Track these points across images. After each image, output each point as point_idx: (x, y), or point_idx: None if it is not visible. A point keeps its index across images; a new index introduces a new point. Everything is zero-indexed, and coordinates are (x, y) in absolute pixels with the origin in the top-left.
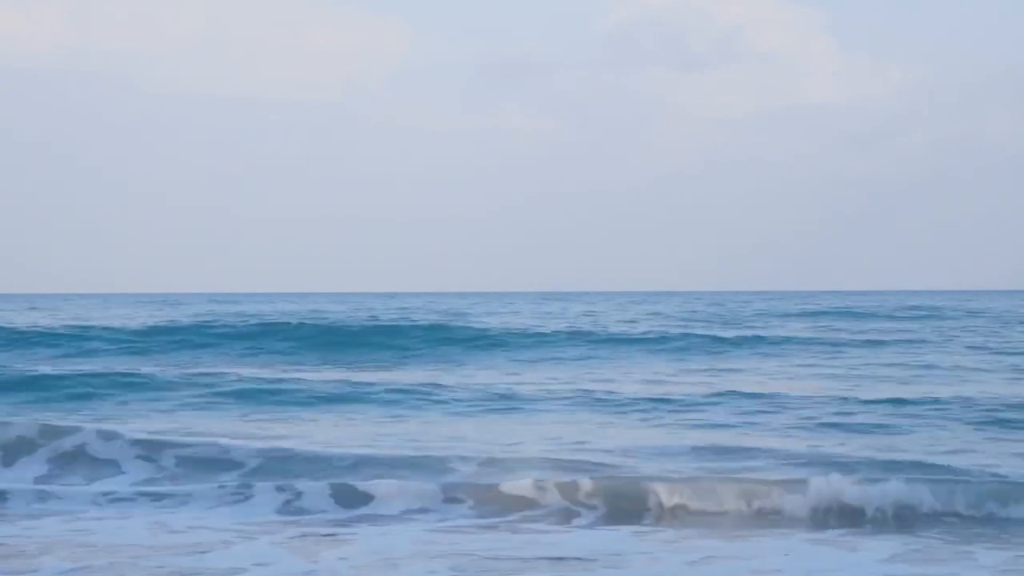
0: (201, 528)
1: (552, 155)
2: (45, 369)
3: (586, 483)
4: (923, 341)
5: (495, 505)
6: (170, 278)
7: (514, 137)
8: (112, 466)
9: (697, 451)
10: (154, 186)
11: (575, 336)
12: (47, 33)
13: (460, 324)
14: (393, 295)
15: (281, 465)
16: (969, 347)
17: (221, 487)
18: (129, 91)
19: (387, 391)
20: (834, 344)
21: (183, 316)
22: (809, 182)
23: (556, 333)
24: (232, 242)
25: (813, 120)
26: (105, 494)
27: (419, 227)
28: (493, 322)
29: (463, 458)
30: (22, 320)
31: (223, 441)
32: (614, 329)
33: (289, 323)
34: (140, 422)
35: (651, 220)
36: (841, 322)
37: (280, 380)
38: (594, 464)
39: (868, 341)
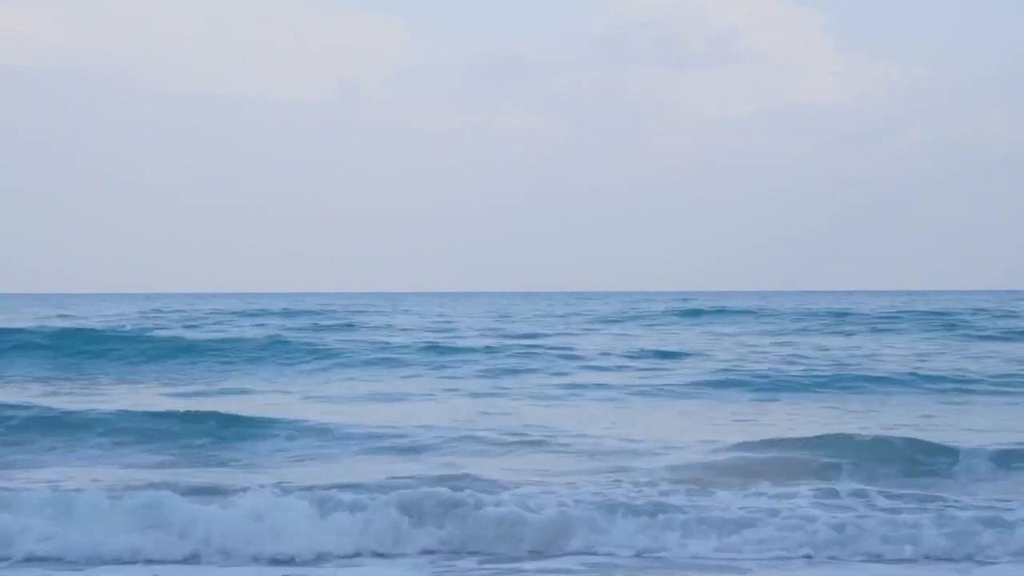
0: None
1: (549, 155)
2: None
3: None
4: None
5: None
6: (169, 278)
7: (516, 137)
8: None
9: None
10: (153, 186)
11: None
12: (46, 33)
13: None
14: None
15: None
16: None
17: None
18: (129, 91)
19: None
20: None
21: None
22: (808, 182)
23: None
24: (230, 242)
25: (812, 120)
26: None
27: (418, 227)
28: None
29: None
30: None
31: None
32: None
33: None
34: None
35: (652, 220)
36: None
37: None
38: None
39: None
